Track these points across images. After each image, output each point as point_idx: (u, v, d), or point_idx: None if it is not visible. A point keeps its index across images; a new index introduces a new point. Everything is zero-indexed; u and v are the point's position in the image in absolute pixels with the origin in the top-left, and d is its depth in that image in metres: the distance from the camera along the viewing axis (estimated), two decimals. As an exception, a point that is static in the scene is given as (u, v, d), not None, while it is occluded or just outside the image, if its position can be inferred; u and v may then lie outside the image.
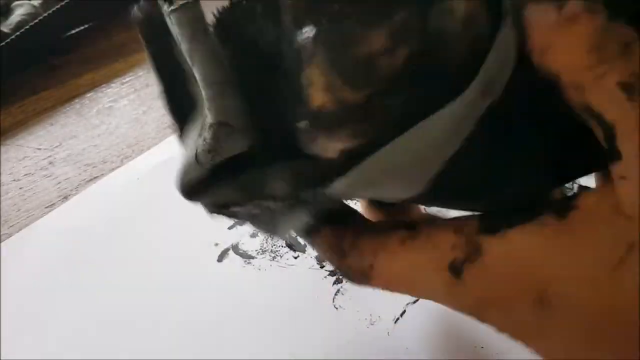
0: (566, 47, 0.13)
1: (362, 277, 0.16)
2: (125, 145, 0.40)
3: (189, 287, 0.29)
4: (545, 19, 0.13)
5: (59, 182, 0.37)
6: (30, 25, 0.47)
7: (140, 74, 0.48)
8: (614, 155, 0.13)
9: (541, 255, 0.14)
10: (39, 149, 0.41)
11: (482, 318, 0.15)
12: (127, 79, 0.47)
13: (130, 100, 0.45)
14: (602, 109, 0.13)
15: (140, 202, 0.34)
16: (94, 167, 0.38)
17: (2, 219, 0.35)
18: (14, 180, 0.38)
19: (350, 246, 0.16)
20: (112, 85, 0.47)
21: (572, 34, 0.13)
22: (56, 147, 0.41)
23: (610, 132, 0.13)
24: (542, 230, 0.14)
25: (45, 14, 0.48)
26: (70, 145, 0.41)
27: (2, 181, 0.38)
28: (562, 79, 0.13)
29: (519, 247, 0.14)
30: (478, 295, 0.15)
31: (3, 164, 0.40)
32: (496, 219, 0.14)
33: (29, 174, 0.39)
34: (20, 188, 0.37)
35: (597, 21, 0.13)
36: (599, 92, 0.13)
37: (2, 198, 0.37)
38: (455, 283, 0.15)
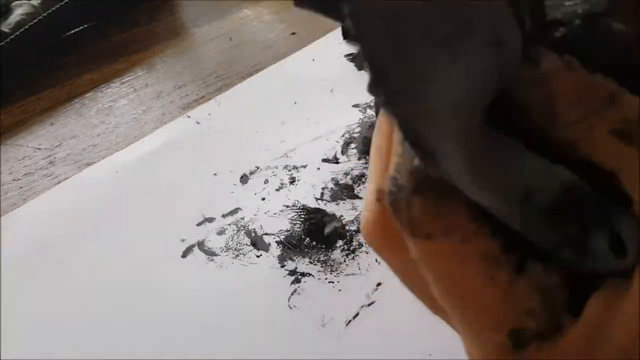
0: (547, 104, 0.12)
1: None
2: (125, 145, 0.40)
3: (150, 282, 0.29)
4: (525, 76, 0.12)
5: (59, 182, 0.37)
6: (30, 25, 0.47)
7: (140, 73, 0.48)
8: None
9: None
10: (39, 148, 0.41)
11: None
12: (127, 79, 0.47)
13: (130, 100, 0.45)
14: (600, 159, 0.12)
15: (117, 195, 0.35)
16: (90, 166, 0.38)
17: (2, 218, 0.35)
18: (14, 179, 0.39)
19: None
20: (112, 85, 0.47)
21: (552, 90, 0.12)
22: (56, 146, 0.41)
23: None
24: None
25: (45, 14, 0.48)
26: (70, 145, 0.41)
27: (2, 181, 0.38)
28: (553, 135, 0.12)
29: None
30: None
31: (3, 163, 0.40)
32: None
33: (29, 173, 0.39)
34: (20, 187, 0.38)
35: (577, 76, 0.12)
36: (592, 144, 0.12)
37: (2, 198, 0.37)
38: (511, 352, 0.13)
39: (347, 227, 0.30)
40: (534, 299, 0.12)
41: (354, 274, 0.28)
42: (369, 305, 0.26)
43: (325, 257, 0.29)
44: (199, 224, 0.32)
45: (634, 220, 0.12)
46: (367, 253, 0.29)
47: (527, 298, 0.12)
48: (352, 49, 0.16)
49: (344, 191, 0.32)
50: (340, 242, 0.29)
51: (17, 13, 0.49)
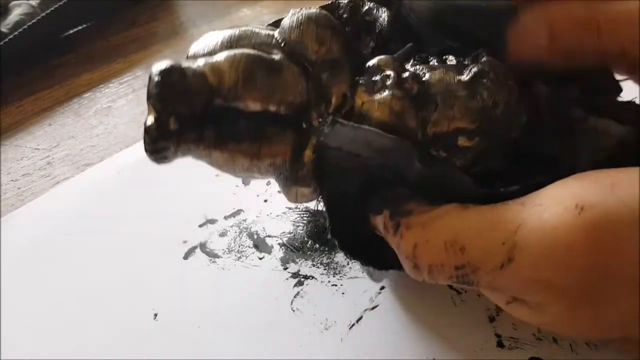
0: None
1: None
2: (124, 146, 0.40)
3: (152, 283, 0.29)
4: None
5: (57, 183, 0.37)
6: (29, 25, 0.46)
7: (139, 74, 0.48)
8: None
9: None
10: (37, 149, 0.41)
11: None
12: (126, 79, 0.47)
13: (129, 100, 0.45)
14: None
15: (117, 197, 0.35)
16: (92, 167, 0.38)
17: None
18: (12, 180, 0.38)
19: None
20: (111, 85, 0.47)
21: None
22: (54, 147, 0.41)
23: None
24: None
25: (44, 14, 0.48)
26: (68, 146, 0.41)
27: (0, 182, 0.38)
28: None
29: None
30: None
31: (1, 164, 0.40)
32: None
33: (27, 174, 0.39)
34: (18, 188, 0.37)
35: None
36: None
37: (0, 199, 0.37)
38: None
39: (350, 230, 0.30)
40: None
41: (357, 277, 0.27)
42: (373, 308, 0.26)
43: (329, 260, 0.28)
44: (200, 226, 0.32)
45: None
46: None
47: None
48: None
49: (347, 193, 0.32)
50: (343, 245, 0.29)
51: (16, 13, 0.48)
